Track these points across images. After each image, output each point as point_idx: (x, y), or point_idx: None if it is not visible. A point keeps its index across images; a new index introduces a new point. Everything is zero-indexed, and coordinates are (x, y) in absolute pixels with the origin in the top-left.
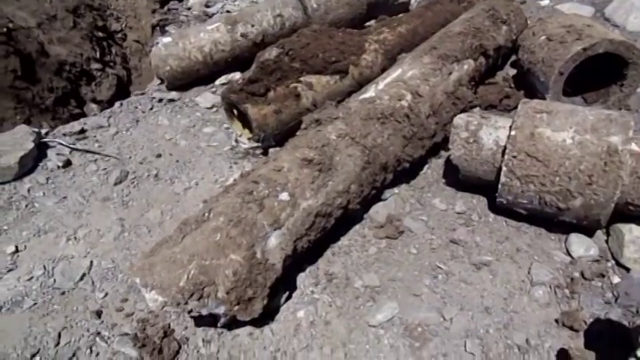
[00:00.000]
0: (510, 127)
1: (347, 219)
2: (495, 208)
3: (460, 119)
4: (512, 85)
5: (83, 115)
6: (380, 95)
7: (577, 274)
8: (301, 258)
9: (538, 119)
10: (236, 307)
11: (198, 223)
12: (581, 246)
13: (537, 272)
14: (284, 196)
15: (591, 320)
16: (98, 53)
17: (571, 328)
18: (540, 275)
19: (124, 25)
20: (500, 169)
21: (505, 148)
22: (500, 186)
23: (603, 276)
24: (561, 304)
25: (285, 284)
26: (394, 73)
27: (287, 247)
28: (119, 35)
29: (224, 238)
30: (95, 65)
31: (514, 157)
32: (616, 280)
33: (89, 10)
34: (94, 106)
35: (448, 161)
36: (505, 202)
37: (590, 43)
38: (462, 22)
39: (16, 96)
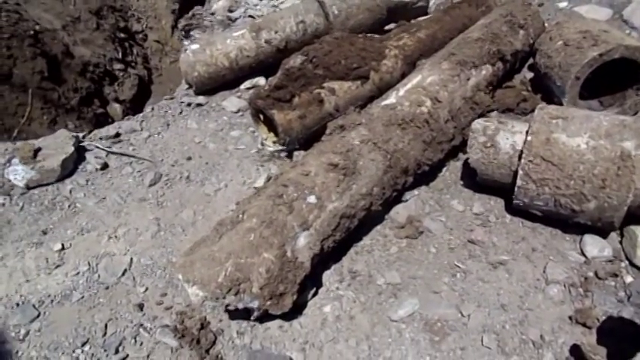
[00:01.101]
0: (527, 132)
1: (369, 220)
2: (512, 209)
3: (478, 124)
4: (530, 89)
5: (107, 114)
6: (400, 101)
7: (591, 274)
8: (327, 256)
9: (554, 125)
10: (269, 302)
11: (233, 223)
12: (596, 247)
13: (552, 271)
14: (312, 198)
15: (604, 318)
16: (120, 54)
17: (584, 325)
18: (555, 274)
19: (144, 26)
20: (516, 172)
21: (521, 152)
22: (516, 189)
23: (616, 275)
24: (575, 302)
25: (312, 281)
26: (414, 80)
27: (315, 247)
28: (140, 36)
29: (257, 238)
30: (117, 66)
31: (530, 161)
32: (629, 279)
33: (111, 12)
34: (116, 105)
35: (466, 164)
36: (521, 204)
37: (607, 48)
38: (480, 27)
39: (43, 96)
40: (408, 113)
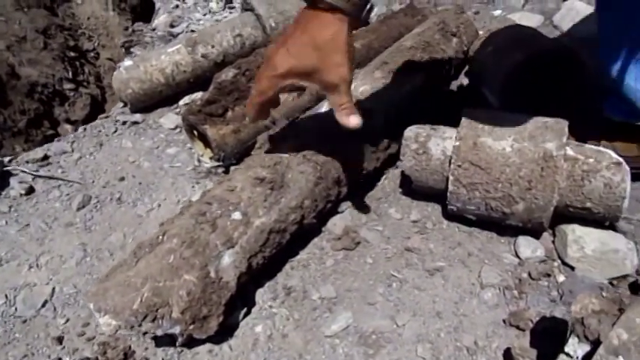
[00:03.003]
0: (455, 137)
1: (304, 233)
2: (449, 215)
3: (410, 131)
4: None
5: (58, 136)
6: (331, 112)
7: (525, 275)
8: (258, 274)
9: (480, 129)
10: (191, 326)
11: (152, 246)
12: (529, 247)
13: (487, 275)
14: (236, 215)
15: (537, 319)
16: (70, 73)
17: (517, 328)
18: (490, 278)
19: (96, 44)
20: (448, 178)
21: (451, 157)
22: (448, 194)
23: (549, 275)
24: (509, 305)
25: (243, 300)
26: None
27: (241, 265)
28: (92, 54)
29: (177, 260)
30: (68, 85)
31: (459, 166)
32: (561, 278)
33: (60, 31)
34: (68, 126)
35: (403, 172)
36: (455, 210)
37: (529, 51)
38: (414, 36)
39: None
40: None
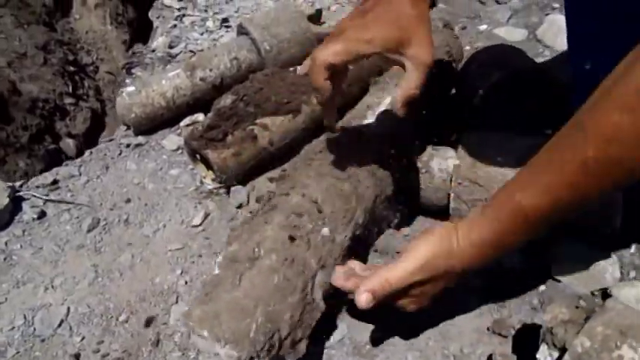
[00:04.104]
0: (455, 156)
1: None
2: None
3: None
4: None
5: (59, 150)
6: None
7: (508, 284)
8: None
9: (478, 149)
10: (288, 351)
11: (250, 260)
12: (512, 257)
13: (473, 285)
14: (325, 231)
15: (519, 326)
16: (71, 87)
17: (500, 335)
18: (476, 288)
19: (95, 58)
20: (449, 195)
21: (452, 176)
22: (451, 210)
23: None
24: (494, 313)
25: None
26: (386, 99)
27: (326, 283)
28: (91, 68)
29: (281, 281)
30: (68, 100)
31: (459, 183)
32: (542, 287)
33: (59, 46)
34: (69, 140)
35: None
36: None
37: (504, 74)
38: None
39: None
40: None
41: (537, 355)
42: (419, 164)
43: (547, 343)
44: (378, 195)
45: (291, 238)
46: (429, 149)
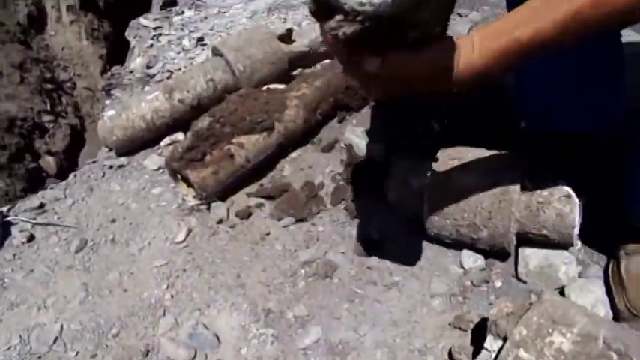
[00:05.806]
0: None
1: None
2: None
3: (395, 165)
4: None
5: (40, 168)
6: None
7: (468, 283)
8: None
9: (450, 165)
10: None
11: None
12: (470, 258)
13: (436, 285)
14: None
15: (478, 320)
16: (49, 105)
17: (460, 329)
18: (438, 287)
19: (72, 74)
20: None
21: (426, 190)
22: (425, 221)
23: (488, 282)
24: (455, 310)
25: None
26: None
27: None
28: (68, 84)
29: None
30: (47, 117)
31: (432, 197)
32: (498, 284)
33: (36, 64)
34: (49, 158)
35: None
36: (433, 234)
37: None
38: None
39: None
40: None
41: (485, 345)
42: (399, 177)
43: (492, 334)
44: None
45: None
46: (407, 163)
